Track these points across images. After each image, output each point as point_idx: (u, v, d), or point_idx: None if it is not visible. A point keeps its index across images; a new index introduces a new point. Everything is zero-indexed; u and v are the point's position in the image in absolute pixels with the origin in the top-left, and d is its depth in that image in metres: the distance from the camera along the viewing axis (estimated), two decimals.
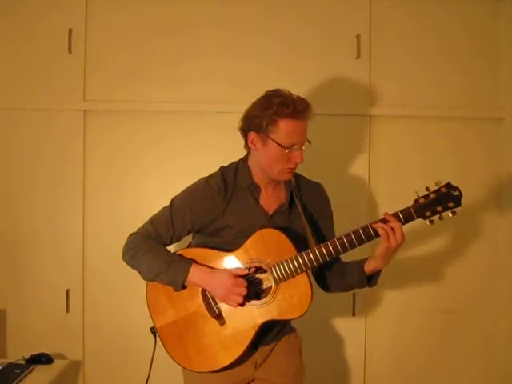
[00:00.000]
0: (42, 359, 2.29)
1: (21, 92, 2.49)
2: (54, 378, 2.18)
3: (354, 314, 2.50)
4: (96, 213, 2.48)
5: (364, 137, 2.50)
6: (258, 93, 2.44)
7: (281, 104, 1.66)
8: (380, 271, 1.79)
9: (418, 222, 1.68)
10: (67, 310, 2.47)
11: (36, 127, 2.49)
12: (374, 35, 2.51)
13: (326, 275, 1.89)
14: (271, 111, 1.66)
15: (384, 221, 1.66)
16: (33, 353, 2.30)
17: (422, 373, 2.57)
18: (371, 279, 1.80)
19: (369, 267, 1.76)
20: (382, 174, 2.52)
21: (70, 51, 2.46)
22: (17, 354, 2.33)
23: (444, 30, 2.55)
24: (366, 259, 1.77)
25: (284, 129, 1.67)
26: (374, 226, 1.66)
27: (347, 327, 2.52)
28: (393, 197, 2.53)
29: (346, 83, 2.50)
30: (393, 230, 1.65)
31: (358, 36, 2.49)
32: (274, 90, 1.73)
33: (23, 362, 2.25)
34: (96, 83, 2.48)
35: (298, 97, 1.71)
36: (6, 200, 2.49)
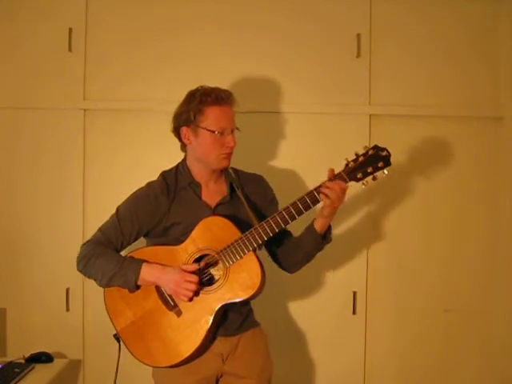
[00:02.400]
0: (42, 358, 2.29)
1: (21, 91, 2.49)
2: (53, 376, 2.19)
3: (354, 313, 2.51)
4: (96, 212, 2.47)
5: (364, 136, 2.50)
6: (259, 92, 2.46)
7: (203, 94, 1.79)
8: (330, 227, 1.86)
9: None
10: (67, 309, 2.48)
11: (36, 126, 2.49)
12: (374, 34, 2.51)
13: (283, 253, 1.95)
14: (196, 102, 1.78)
15: (319, 188, 1.73)
16: (33, 351, 2.31)
17: (422, 371, 2.57)
18: (325, 237, 1.86)
19: (319, 226, 1.82)
20: (382, 173, 2.52)
21: (70, 50, 2.47)
22: (17, 352, 2.34)
23: (444, 29, 2.55)
24: (313, 222, 1.83)
25: (211, 115, 1.78)
26: (313, 197, 1.73)
27: (347, 326, 2.52)
28: (393, 195, 2.54)
29: (346, 82, 2.50)
30: (332, 190, 1.71)
31: (358, 35, 2.49)
32: (195, 88, 1.84)
33: (23, 361, 2.25)
34: (96, 82, 2.48)
35: (219, 87, 1.82)
36: (7, 199, 2.50)
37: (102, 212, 2.45)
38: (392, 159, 2.51)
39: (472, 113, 2.57)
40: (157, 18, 2.49)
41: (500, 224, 2.58)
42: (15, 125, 2.50)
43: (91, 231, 2.44)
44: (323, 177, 2.52)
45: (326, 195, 1.71)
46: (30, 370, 2.18)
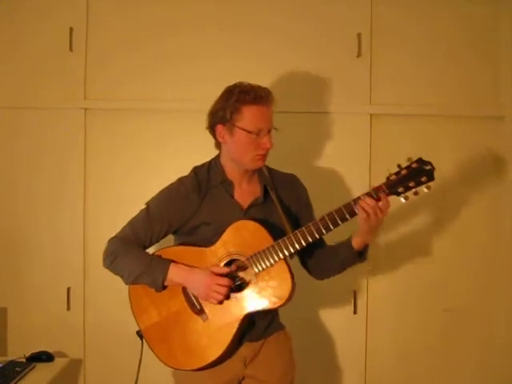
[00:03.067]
0: (43, 357, 2.29)
1: (22, 91, 2.49)
2: (54, 375, 2.18)
3: (355, 312, 2.51)
4: (97, 211, 2.48)
5: (365, 135, 2.50)
6: None
7: (241, 92, 1.72)
8: (368, 246, 1.79)
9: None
10: (68, 308, 2.47)
11: (37, 126, 2.50)
12: (374, 34, 2.51)
13: (315, 261, 1.90)
14: (233, 100, 1.72)
15: (358, 200, 1.66)
16: (33, 351, 2.31)
17: (423, 371, 2.57)
18: (362, 254, 1.80)
19: (356, 243, 1.76)
20: (382, 173, 2.51)
21: (71, 50, 2.47)
22: (18, 351, 2.33)
23: (444, 28, 2.55)
24: (352, 237, 1.77)
25: (248, 115, 1.71)
26: (350, 206, 1.66)
27: (348, 325, 2.52)
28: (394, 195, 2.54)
29: (347, 82, 2.50)
30: (371, 208, 1.64)
31: (358, 35, 2.49)
32: (233, 84, 1.77)
33: (24, 360, 2.25)
34: (97, 82, 2.48)
35: (259, 85, 1.75)
36: (7, 198, 2.50)
37: (102, 211, 2.48)
38: (393, 158, 2.50)
39: (473, 112, 2.57)
40: (157, 17, 2.49)
41: (500, 224, 2.58)
42: (16, 124, 2.50)
43: (92, 230, 2.47)
44: (323, 176, 2.53)
45: (362, 208, 1.64)
46: (31, 369, 2.18)
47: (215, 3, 2.49)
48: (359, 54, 2.50)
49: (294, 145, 2.51)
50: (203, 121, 2.43)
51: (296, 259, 1.89)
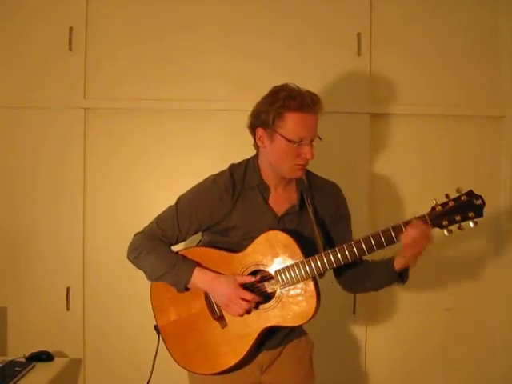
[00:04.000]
0: (43, 357, 2.29)
1: (21, 90, 2.48)
2: (54, 375, 2.18)
3: (354, 313, 2.51)
4: (96, 211, 2.48)
5: (364, 135, 2.50)
6: (259, 91, 2.44)
7: (287, 97, 1.61)
8: (408, 268, 1.69)
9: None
10: (67, 308, 2.47)
11: (36, 125, 2.49)
12: (374, 33, 2.50)
13: (350, 277, 1.82)
14: (277, 105, 1.61)
15: (401, 228, 1.58)
16: (33, 350, 2.30)
17: (423, 371, 2.57)
18: (402, 275, 1.70)
19: (398, 265, 1.66)
20: (382, 172, 2.52)
21: (70, 49, 2.46)
22: (17, 351, 2.33)
23: (444, 28, 2.55)
24: (394, 258, 1.67)
25: (291, 122, 1.61)
26: (389, 236, 1.58)
27: (348, 325, 2.52)
28: (393, 195, 2.54)
29: (347, 81, 2.49)
30: (416, 237, 1.57)
31: (358, 34, 2.49)
32: (281, 85, 1.68)
33: (23, 360, 2.25)
34: (97, 81, 2.47)
35: (308, 91, 1.65)
36: (7, 198, 2.49)
37: (101, 211, 2.48)
38: (392, 157, 2.51)
39: (472, 112, 2.56)
40: (157, 16, 2.49)
41: (501, 223, 2.58)
42: (15, 124, 2.49)
43: (91, 230, 2.47)
44: (323, 176, 2.52)
45: (406, 238, 1.56)
46: (31, 369, 2.17)
47: (215, 2, 2.49)
48: (359, 54, 2.49)
49: None
50: (203, 120, 2.47)
51: None
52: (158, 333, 1.79)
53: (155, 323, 1.80)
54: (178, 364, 1.76)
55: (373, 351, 2.54)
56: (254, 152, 1.80)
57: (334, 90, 2.50)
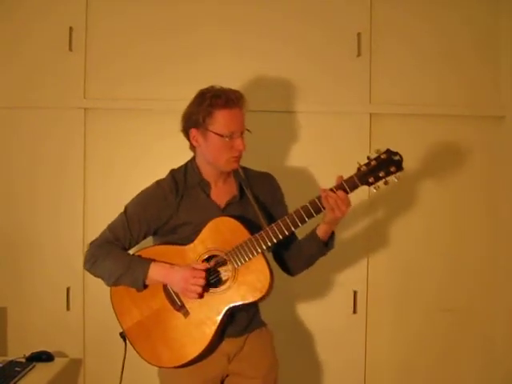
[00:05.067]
0: (43, 357, 2.30)
1: (21, 90, 2.49)
2: (54, 375, 2.19)
3: (354, 312, 2.51)
4: (96, 211, 2.48)
5: (364, 135, 2.50)
6: (258, 91, 2.46)
7: (213, 96, 1.75)
8: (333, 233, 1.85)
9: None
10: (68, 308, 2.48)
11: (36, 125, 2.49)
12: (374, 33, 2.51)
13: (287, 257, 1.93)
14: (205, 104, 1.75)
15: (328, 192, 1.71)
16: (33, 350, 2.31)
17: (423, 371, 2.57)
18: (328, 243, 1.85)
19: (322, 233, 1.81)
20: None
21: (70, 49, 2.46)
22: (17, 351, 2.34)
23: (445, 28, 2.55)
24: (317, 227, 1.82)
25: (220, 118, 1.74)
26: (320, 198, 1.71)
27: (348, 325, 2.52)
28: (393, 195, 2.54)
29: (347, 81, 2.50)
30: (337, 200, 1.70)
31: (358, 34, 2.49)
32: (206, 88, 1.81)
33: (24, 360, 2.26)
34: (97, 81, 2.48)
35: (230, 89, 1.79)
36: (7, 198, 2.50)
37: (102, 211, 2.47)
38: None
39: (473, 112, 2.57)
40: (157, 16, 2.49)
41: (501, 222, 2.58)
42: (15, 124, 2.50)
43: (91, 230, 2.46)
44: (323, 176, 2.52)
45: (327, 202, 1.70)
46: (31, 369, 2.18)
47: (215, 3, 2.49)
48: (359, 54, 2.49)
49: (293, 144, 2.51)
50: None
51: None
52: (125, 339, 1.84)
53: (116, 331, 1.84)
54: (148, 362, 1.79)
55: (373, 351, 2.54)
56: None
57: (334, 89, 2.51)
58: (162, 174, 2.43)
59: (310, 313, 2.53)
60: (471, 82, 2.57)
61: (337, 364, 2.53)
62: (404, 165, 1.72)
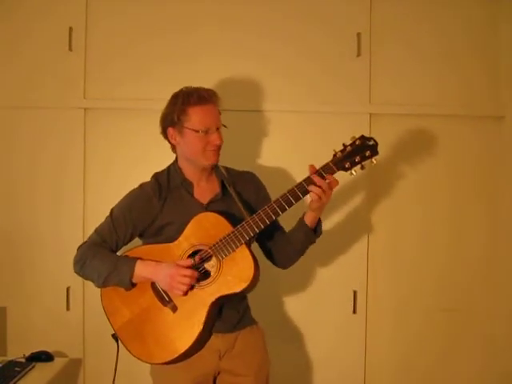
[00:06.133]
0: (43, 357, 2.30)
1: (21, 90, 2.49)
2: (54, 375, 2.19)
3: (354, 312, 2.51)
4: (96, 211, 2.45)
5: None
6: (258, 91, 2.46)
7: (186, 95, 1.82)
8: (320, 220, 1.88)
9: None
10: (67, 308, 2.48)
11: (36, 125, 2.49)
12: (374, 34, 2.51)
13: (276, 250, 1.96)
14: (179, 103, 1.81)
15: (309, 181, 1.75)
16: (33, 350, 2.32)
17: (423, 370, 2.57)
18: (316, 230, 1.89)
19: (309, 220, 1.85)
20: (382, 172, 2.52)
21: (70, 49, 2.47)
22: (17, 351, 2.35)
23: (444, 28, 2.55)
24: (303, 216, 1.86)
25: (194, 115, 1.80)
26: (303, 186, 1.75)
27: (348, 325, 2.52)
28: (394, 195, 2.54)
29: (347, 81, 2.50)
30: (320, 187, 1.73)
31: (358, 34, 2.49)
32: (180, 89, 1.87)
33: (23, 360, 2.26)
34: (96, 81, 2.48)
35: (202, 87, 1.85)
36: (7, 198, 2.50)
37: (102, 211, 2.44)
38: (392, 157, 2.52)
39: (472, 112, 2.57)
40: (157, 16, 2.49)
41: (500, 222, 2.58)
42: (15, 124, 2.50)
43: (91, 230, 2.43)
44: None
45: (312, 191, 1.74)
46: (31, 369, 2.19)
47: (215, 3, 2.49)
48: (359, 54, 2.50)
49: (293, 144, 2.51)
50: None
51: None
52: (117, 340, 1.86)
53: (112, 332, 1.86)
54: (140, 359, 1.81)
55: (373, 351, 2.54)
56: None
57: (334, 89, 2.51)
58: None
59: (309, 312, 2.53)
60: (470, 83, 2.57)
61: (337, 364, 2.53)
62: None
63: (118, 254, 1.89)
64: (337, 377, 2.54)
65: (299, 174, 2.49)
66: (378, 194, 2.54)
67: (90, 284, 2.44)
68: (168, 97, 2.42)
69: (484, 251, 2.59)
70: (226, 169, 1.97)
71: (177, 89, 2.43)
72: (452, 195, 2.56)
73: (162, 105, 2.44)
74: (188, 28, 2.49)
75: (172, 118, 1.83)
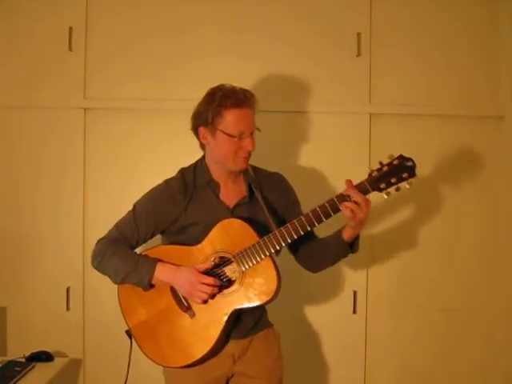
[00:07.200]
0: (43, 357, 2.30)
1: (21, 90, 2.49)
2: (54, 375, 2.19)
3: (354, 312, 2.51)
4: (96, 211, 2.48)
5: (364, 135, 2.50)
6: (260, 91, 2.45)
7: (223, 96, 1.73)
8: (359, 236, 1.81)
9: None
10: (67, 308, 2.48)
11: (37, 125, 2.50)
12: (374, 34, 2.51)
13: (307, 254, 1.91)
14: (215, 104, 1.74)
15: (344, 198, 1.68)
16: (33, 350, 2.31)
17: (423, 370, 2.57)
18: (353, 246, 1.82)
19: (347, 235, 1.77)
20: None
21: (70, 49, 2.47)
22: (17, 351, 2.35)
23: (444, 28, 2.55)
24: (342, 230, 1.79)
25: (229, 118, 1.73)
26: (334, 203, 1.68)
27: (348, 325, 2.52)
28: (394, 195, 2.53)
29: (347, 81, 2.50)
30: (357, 204, 1.67)
31: (358, 34, 2.49)
32: (217, 86, 1.80)
33: (23, 360, 2.26)
34: (97, 81, 2.48)
35: (241, 88, 1.77)
36: (7, 198, 2.50)
37: (101, 211, 2.48)
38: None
39: (472, 112, 2.56)
40: (157, 17, 2.49)
41: (500, 223, 2.58)
42: (15, 124, 2.50)
43: (91, 230, 2.47)
44: (322, 176, 2.53)
45: (347, 207, 1.66)
46: (31, 369, 2.18)
47: (215, 3, 2.49)
48: (359, 54, 2.50)
49: (294, 144, 2.51)
50: None
51: (285, 255, 1.90)
52: (130, 337, 1.84)
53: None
54: (153, 361, 1.79)
55: (373, 352, 2.54)
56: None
57: (334, 90, 2.51)
58: (163, 173, 2.43)
59: (309, 313, 2.53)
60: (470, 83, 2.57)
61: (336, 364, 2.53)
62: (417, 171, 1.70)
63: (138, 250, 1.86)
64: (337, 376, 2.54)
65: (299, 174, 2.51)
66: (377, 194, 2.54)
67: (90, 284, 2.48)
68: (168, 97, 2.46)
69: (484, 251, 2.58)
70: (254, 169, 1.91)
71: (177, 89, 2.47)
72: (452, 195, 2.56)
73: (162, 105, 2.47)
74: (188, 28, 2.49)
75: (206, 117, 1.76)
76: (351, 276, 2.52)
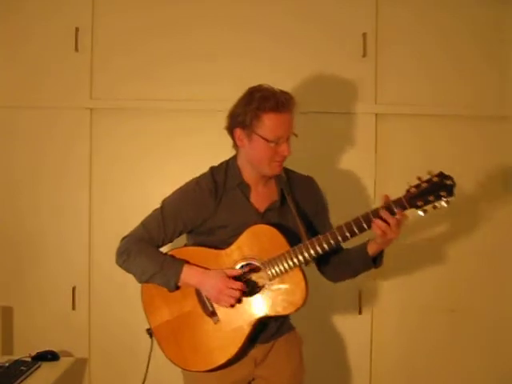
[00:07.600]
0: (48, 356, 2.30)
1: (27, 90, 2.49)
2: (60, 375, 2.20)
3: (360, 312, 2.50)
4: (102, 210, 2.49)
5: (370, 135, 2.50)
6: None
7: (262, 98, 1.67)
8: (383, 251, 1.77)
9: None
10: (73, 308, 2.48)
11: (42, 125, 2.50)
12: (380, 34, 2.50)
13: (330, 266, 1.88)
14: (253, 106, 1.67)
15: (376, 214, 1.63)
16: (39, 350, 2.32)
17: (428, 370, 2.56)
18: (376, 260, 1.78)
19: (372, 250, 1.73)
20: (388, 173, 2.51)
21: (76, 50, 2.47)
22: (23, 351, 2.35)
23: (449, 28, 2.55)
24: (367, 243, 1.75)
25: (268, 123, 1.67)
26: (369, 217, 1.63)
27: (353, 325, 2.51)
28: (397, 193, 2.53)
29: (352, 82, 2.49)
30: (387, 222, 1.61)
31: (364, 35, 2.49)
32: (256, 86, 1.74)
33: (29, 359, 2.26)
34: (103, 81, 2.48)
35: (280, 90, 1.71)
36: (12, 198, 2.50)
37: (107, 210, 2.49)
38: (398, 157, 2.50)
39: (478, 112, 2.56)
40: (163, 17, 2.49)
41: (505, 223, 2.57)
42: (21, 123, 2.50)
43: (97, 230, 2.48)
44: (327, 177, 2.52)
45: (377, 225, 1.62)
46: (37, 369, 2.19)
47: (221, 4, 2.49)
48: (364, 54, 2.49)
49: (298, 145, 2.50)
50: (208, 120, 2.46)
51: None
52: (151, 335, 1.81)
53: (147, 327, 1.82)
54: (173, 363, 1.77)
55: (378, 352, 2.53)
56: None
57: (340, 90, 2.51)
58: (168, 173, 2.46)
59: (314, 314, 2.52)
60: (475, 83, 2.56)
61: (342, 365, 2.52)
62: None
63: (164, 249, 1.83)
64: (342, 377, 2.53)
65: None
66: (381, 192, 2.52)
67: (95, 284, 2.48)
68: (174, 97, 2.46)
69: (488, 250, 2.57)
70: (286, 171, 1.85)
71: (181, 89, 2.47)
72: (457, 195, 2.55)
73: (168, 105, 2.47)
74: (194, 29, 2.48)
75: (243, 119, 1.69)
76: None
